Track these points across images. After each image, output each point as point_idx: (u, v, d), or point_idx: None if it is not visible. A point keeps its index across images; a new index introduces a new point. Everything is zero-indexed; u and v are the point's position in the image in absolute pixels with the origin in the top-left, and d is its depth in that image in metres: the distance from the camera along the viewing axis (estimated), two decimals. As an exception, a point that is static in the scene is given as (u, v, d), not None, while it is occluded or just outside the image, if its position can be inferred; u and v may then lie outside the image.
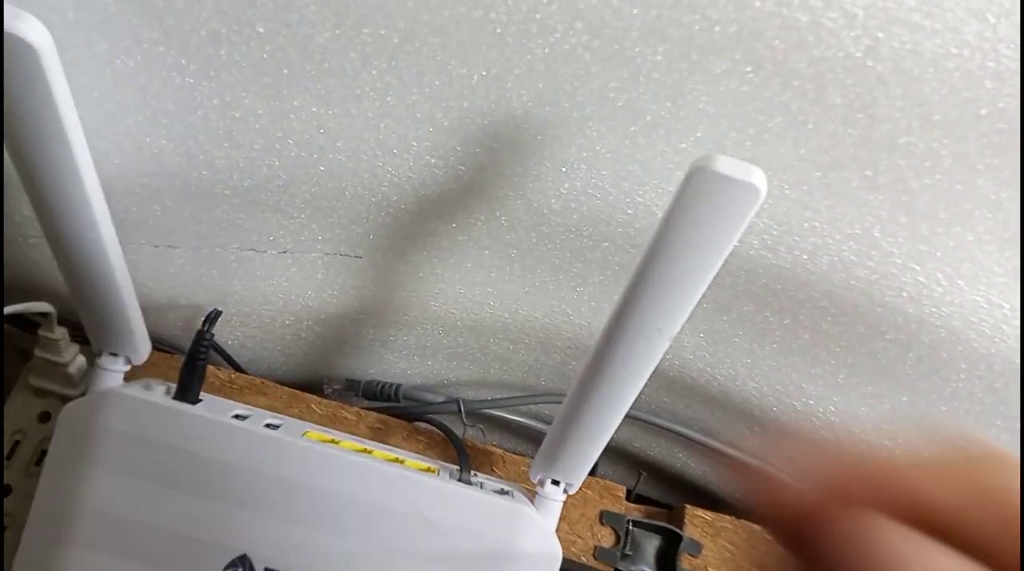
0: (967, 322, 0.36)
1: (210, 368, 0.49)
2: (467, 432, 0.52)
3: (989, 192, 0.32)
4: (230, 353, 0.50)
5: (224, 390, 0.48)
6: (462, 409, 0.52)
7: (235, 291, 0.43)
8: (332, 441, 0.41)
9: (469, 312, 0.46)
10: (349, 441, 0.42)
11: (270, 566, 0.37)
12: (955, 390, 0.41)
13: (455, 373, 0.54)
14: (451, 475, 0.41)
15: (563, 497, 0.41)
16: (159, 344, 0.50)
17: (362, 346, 0.51)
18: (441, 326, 0.48)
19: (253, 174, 0.36)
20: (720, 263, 0.29)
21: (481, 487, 0.41)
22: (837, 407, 0.44)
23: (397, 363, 0.53)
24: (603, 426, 0.39)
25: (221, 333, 0.48)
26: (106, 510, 0.36)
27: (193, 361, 0.39)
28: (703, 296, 0.29)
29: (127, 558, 0.37)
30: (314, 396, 0.49)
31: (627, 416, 0.53)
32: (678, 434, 0.50)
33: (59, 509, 0.37)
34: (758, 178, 0.27)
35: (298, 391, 0.49)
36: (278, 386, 0.49)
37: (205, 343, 0.39)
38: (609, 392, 0.36)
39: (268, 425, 0.39)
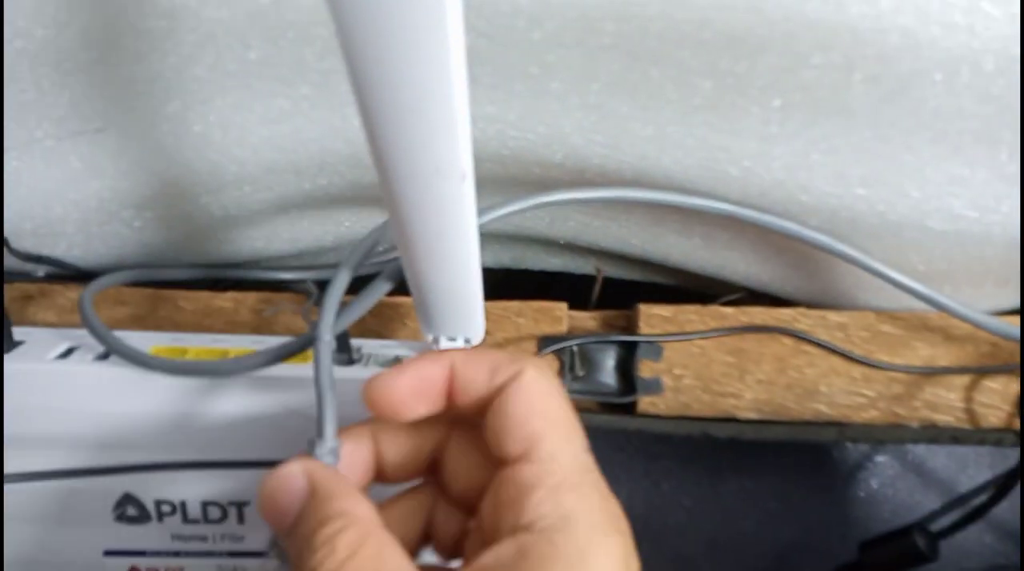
0: (924, 16, 0.23)
1: (58, 288, 0.42)
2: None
3: None
4: (78, 265, 0.43)
5: (76, 310, 0.42)
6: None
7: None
8: (180, 351, 0.35)
9: (295, 151, 0.36)
10: (202, 346, 0.35)
11: (159, 497, 0.34)
12: (936, 108, 0.28)
13: (349, 214, 0.45)
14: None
15: None
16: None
17: (218, 216, 0.42)
18: (283, 172, 0.39)
19: None
20: (451, 56, 0.18)
21: (367, 361, 0.35)
22: (783, 161, 0.32)
23: (273, 222, 0.44)
24: (454, 283, 0.30)
25: (48, 249, 0.41)
26: None
27: (-19, 304, 0.33)
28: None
29: (19, 522, 0.35)
30: (180, 292, 0.42)
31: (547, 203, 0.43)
32: (610, 201, 0.39)
33: None
34: None
35: (162, 289, 0.43)
36: (137, 290, 0.43)
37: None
38: (429, 254, 0.27)
39: (106, 351, 0.34)
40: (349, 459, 0.25)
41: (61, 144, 0.32)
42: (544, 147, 0.35)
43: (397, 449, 0.26)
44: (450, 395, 0.25)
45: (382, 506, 0.26)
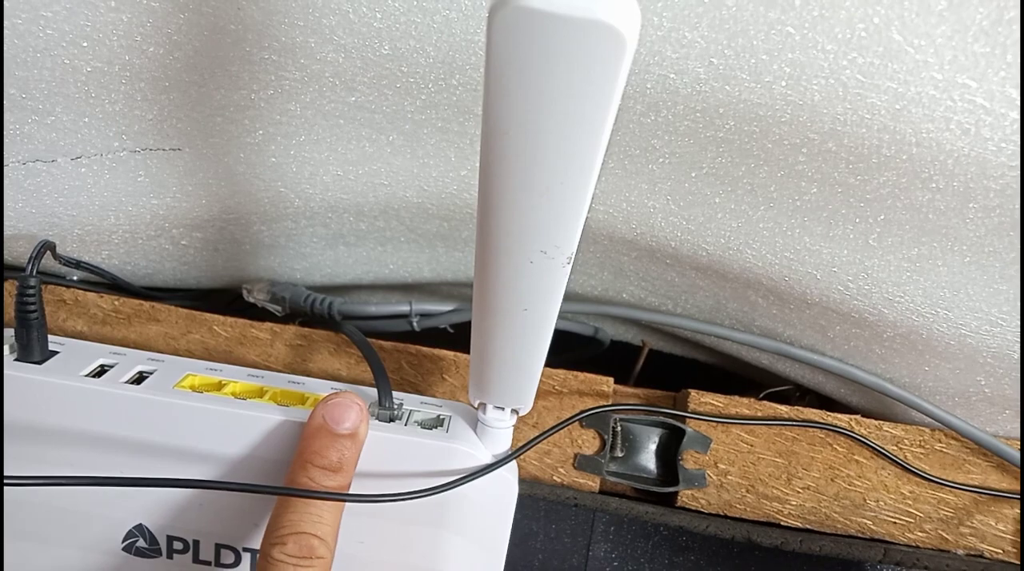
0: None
1: (92, 296, 0.41)
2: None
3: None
4: (115, 273, 0.42)
5: (109, 322, 0.40)
6: (414, 324, 0.42)
7: (56, 213, 0.34)
8: (215, 384, 0.33)
9: (363, 194, 0.35)
10: (239, 381, 0.34)
11: (172, 533, 0.32)
12: (1048, 244, 0.27)
13: (397, 257, 0.44)
14: (369, 407, 0.33)
15: (512, 421, 0.32)
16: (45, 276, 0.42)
17: (266, 244, 0.41)
18: (344, 212, 0.37)
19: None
20: (598, 150, 0.17)
21: (407, 418, 0.33)
22: (871, 273, 0.31)
23: (319, 255, 0.43)
24: (523, 357, 0.28)
25: (89, 255, 0.40)
26: None
27: (23, 316, 0.31)
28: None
29: (24, 540, 0.33)
30: (217, 316, 0.41)
31: (602, 314, 0.42)
32: (666, 328, 0.39)
33: None
34: (608, 6, 0.14)
35: (197, 312, 0.41)
36: (173, 309, 0.41)
37: (31, 292, 0.31)
38: (508, 326, 0.26)
39: (139, 374, 0.33)
40: None
41: (133, 157, 0.31)
42: (622, 223, 0.34)
43: None
44: None
45: None
